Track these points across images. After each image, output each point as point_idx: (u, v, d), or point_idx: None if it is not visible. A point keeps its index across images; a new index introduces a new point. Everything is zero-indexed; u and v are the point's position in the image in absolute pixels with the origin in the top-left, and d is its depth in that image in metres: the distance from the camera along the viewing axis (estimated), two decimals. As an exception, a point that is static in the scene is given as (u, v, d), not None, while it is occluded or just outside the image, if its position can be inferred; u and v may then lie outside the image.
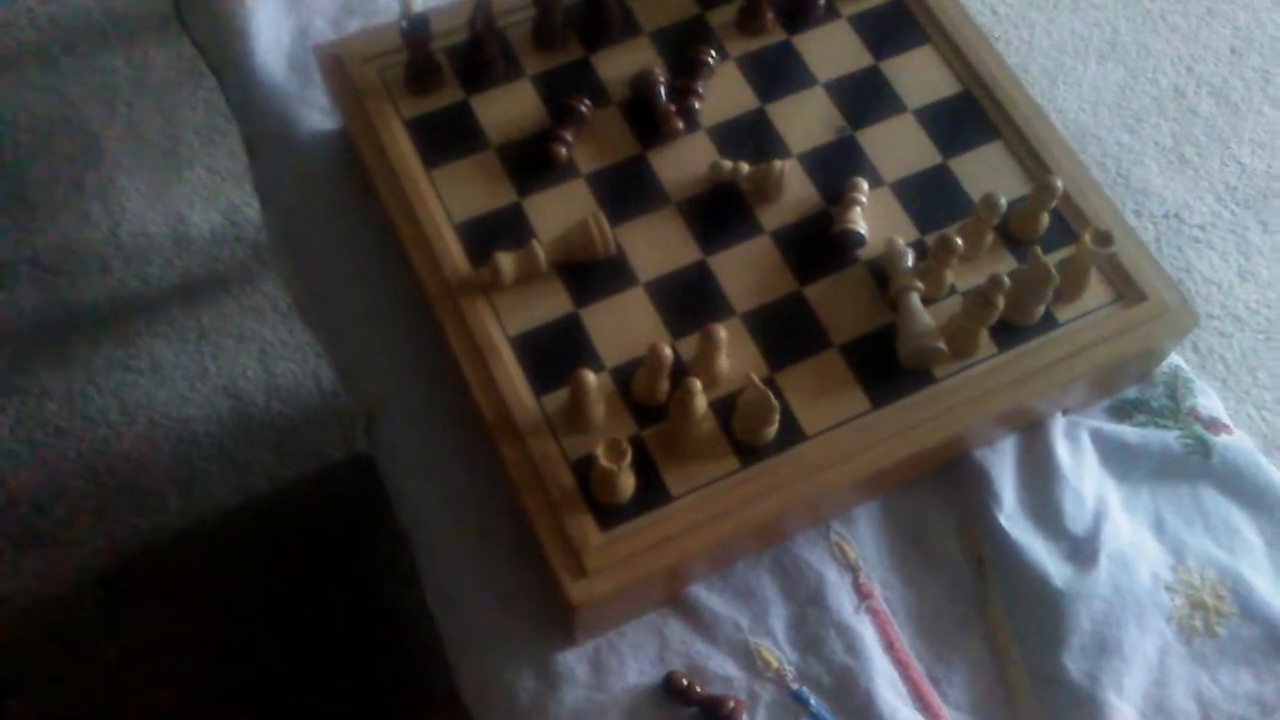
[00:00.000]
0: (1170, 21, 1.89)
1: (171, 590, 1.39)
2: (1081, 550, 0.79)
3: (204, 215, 1.65)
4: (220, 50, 1.00)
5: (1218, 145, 1.78)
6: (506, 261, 0.78)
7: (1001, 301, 0.74)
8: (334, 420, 1.51)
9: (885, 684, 0.76)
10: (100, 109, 1.72)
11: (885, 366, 0.77)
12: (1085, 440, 0.83)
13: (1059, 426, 0.83)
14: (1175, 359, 0.87)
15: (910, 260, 0.80)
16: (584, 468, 0.74)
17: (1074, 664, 0.76)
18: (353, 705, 1.32)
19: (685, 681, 0.76)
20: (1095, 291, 0.80)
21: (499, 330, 0.78)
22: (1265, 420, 1.59)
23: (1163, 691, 0.77)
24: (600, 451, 0.70)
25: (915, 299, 0.78)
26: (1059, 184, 0.80)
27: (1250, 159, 1.77)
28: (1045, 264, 0.75)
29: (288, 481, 1.48)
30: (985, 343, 0.78)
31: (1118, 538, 0.79)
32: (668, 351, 0.72)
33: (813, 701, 0.76)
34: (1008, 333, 0.78)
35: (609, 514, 0.73)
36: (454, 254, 0.80)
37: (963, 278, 0.81)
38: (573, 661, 0.77)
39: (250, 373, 1.55)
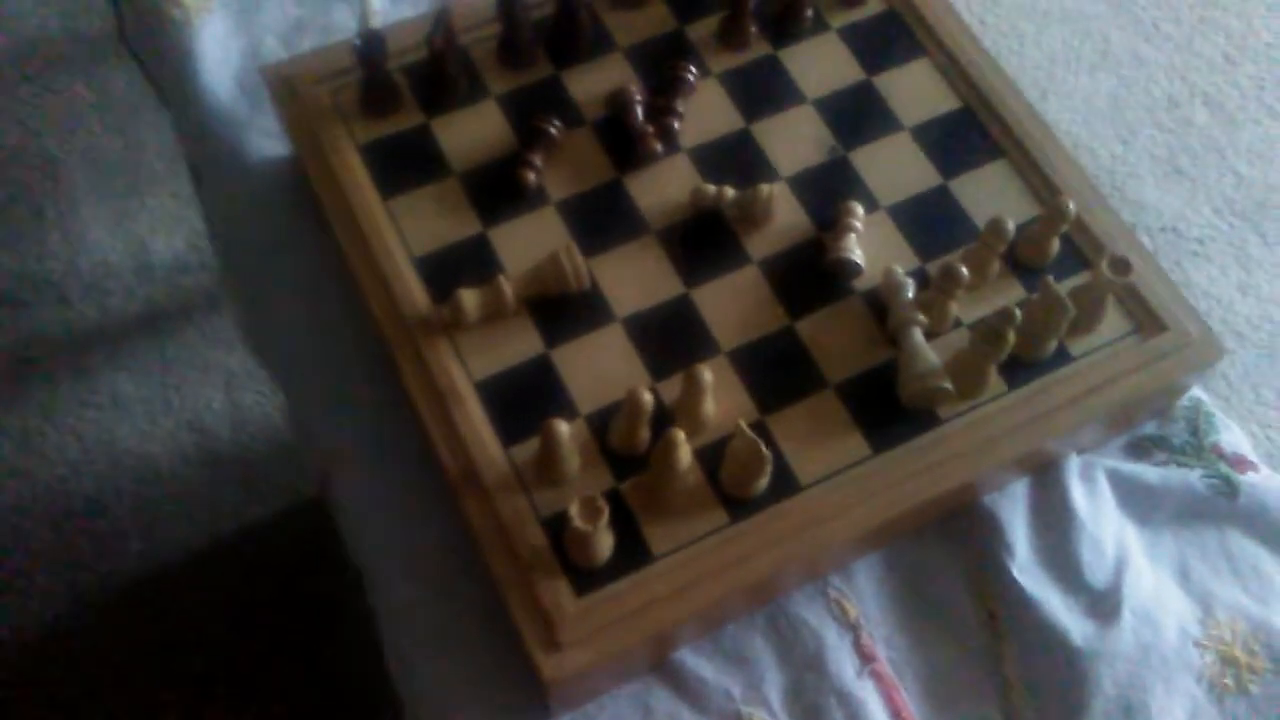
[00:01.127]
0: (1163, 30, 1.84)
1: (131, 639, 1.32)
2: (1102, 604, 0.73)
3: (167, 242, 1.59)
4: (165, 72, 0.93)
5: (1214, 156, 1.73)
6: (470, 299, 0.72)
7: (1013, 336, 0.68)
8: (305, 454, 1.44)
9: (892, 757, 0.70)
10: (59, 134, 1.66)
11: (886, 408, 0.71)
12: (1102, 482, 0.77)
13: (1074, 467, 0.76)
14: (1196, 391, 0.81)
15: (911, 291, 0.74)
16: (557, 525, 0.67)
17: (1098, 731, 0.70)
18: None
19: (672, 758, 0.69)
20: (1112, 322, 0.74)
21: (463, 374, 0.71)
22: (1270, 439, 1.53)
23: (1195, 759, 0.70)
24: (574, 511, 0.63)
25: (917, 333, 0.71)
26: (1071, 206, 0.73)
27: (1247, 169, 1.72)
28: (1059, 294, 0.69)
29: (256, 520, 1.42)
30: (994, 380, 0.71)
31: (1141, 589, 0.73)
32: (648, 397, 0.66)
33: (813, 777, 0.69)
34: (1018, 369, 0.72)
35: (585, 577, 0.66)
36: (413, 291, 0.73)
37: (968, 310, 0.75)
38: (548, 737, 0.70)
39: (215, 405, 1.50)
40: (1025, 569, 0.73)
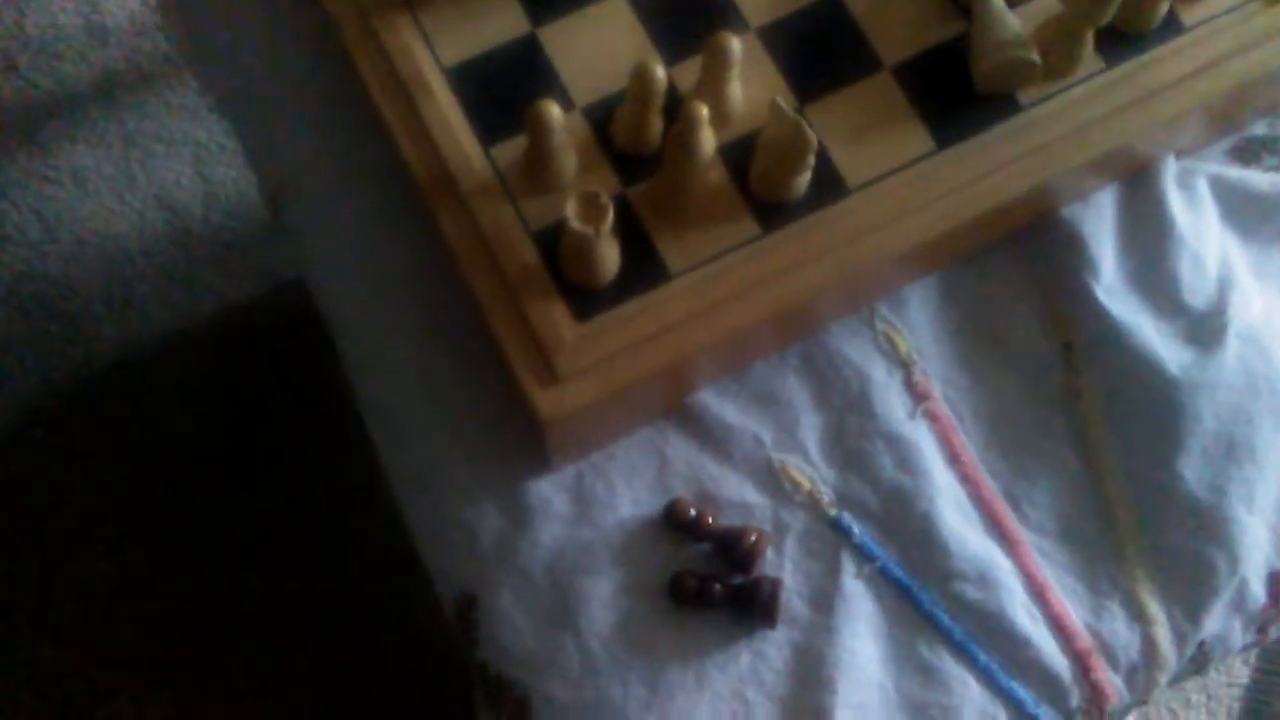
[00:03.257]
0: None
1: (110, 426, 1.25)
2: (1203, 328, 0.61)
3: (120, 1, 1.43)
4: None
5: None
6: (436, -36, 0.57)
7: (1118, -11, 0.54)
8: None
9: (949, 505, 0.60)
10: (-15, -125, 1.47)
11: (953, 92, 0.58)
12: (1204, 190, 0.64)
13: (1170, 174, 0.63)
14: (1314, 86, 0.67)
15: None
16: (551, 240, 0.55)
17: (1192, 472, 0.60)
18: (308, 546, 1.19)
19: (693, 511, 0.59)
20: (1233, -17, 0.60)
21: (430, 59, 0.57)
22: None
23: (1302, 504, 0.61)
24: (571, 210, 0.51)
25: (994, -2, 0.57)
26: None
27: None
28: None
29: (235, 303, 1.32)
30: (1089, 54, 0.57)
31: (1247, 311, 0.62)
32: (660, 72, 0.53)
33: (855, 530, 0.60)
34: (1118, 41, 0.58)
35: (587, 299, 0.55)
36: (365, -39, 0.59)
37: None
38: (548, 492, 0.60)
39: (185, 181, 1.39)
40: (1112, 291, 0.62)
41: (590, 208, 0.51)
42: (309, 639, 1.16)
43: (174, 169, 1.37)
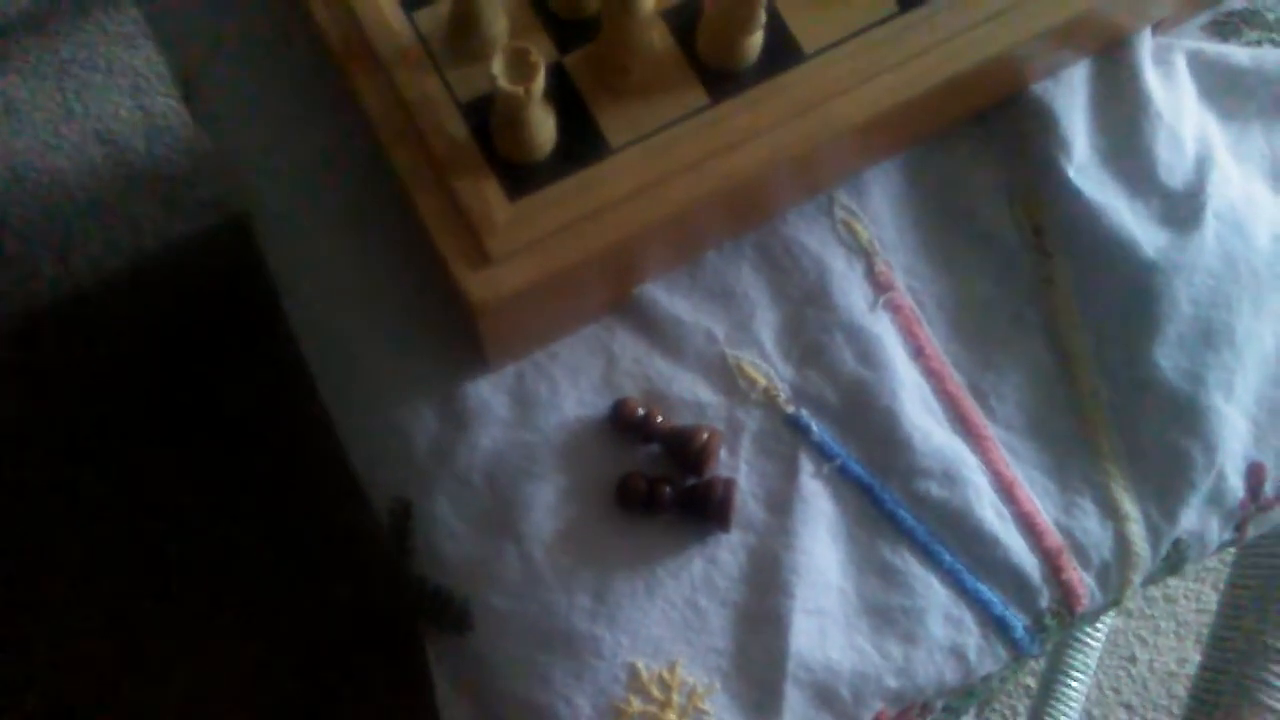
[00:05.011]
0: None
1: (48, 368, 1.20)
2: (1180, 209, 0.58)
3: (51, -79, 1.37)
4: None
5: None
6: None
7: None
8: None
9: (912, 399, 0.56)
10: None
11: (915, -50, 0.53)
12: (1180, 66, 0.60)
13: (1146, 48, 0.60)
14: (1296, -42, 0.64)
15: None
16: (481, 111, 0.51)
17: (1168, 360, 0.56)
18: (254, 489, 1.15)
19: (641, 411, 0.56)
20: None
21: (345, -85, 0.53)
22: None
23: (1283, 393, 0.58)
24: (498, 68, 0.46)
25: None
26: None
27: None
28: None
29: (179, 238, 1.27)
30: (1058, -94, 0.53)
31: (1227, 190, 0.58)
32: (594, -80, 0.48)
33: (814, 427, 0.56)
34: (1090, -107, 0.54)
35: (520, 175, 0.50)
36: None
37: None
38: (487, 393, 0.56)
39: (124, 112, 1.33)
40: (1084, 170, 0.58)
41: (520, 65, 0.47)
42: (257, 584, 1.12)
43: (112, 100, 1.32)
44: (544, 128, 0.50)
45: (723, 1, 0.49)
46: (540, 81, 0.47)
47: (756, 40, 0.51)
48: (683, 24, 0.52)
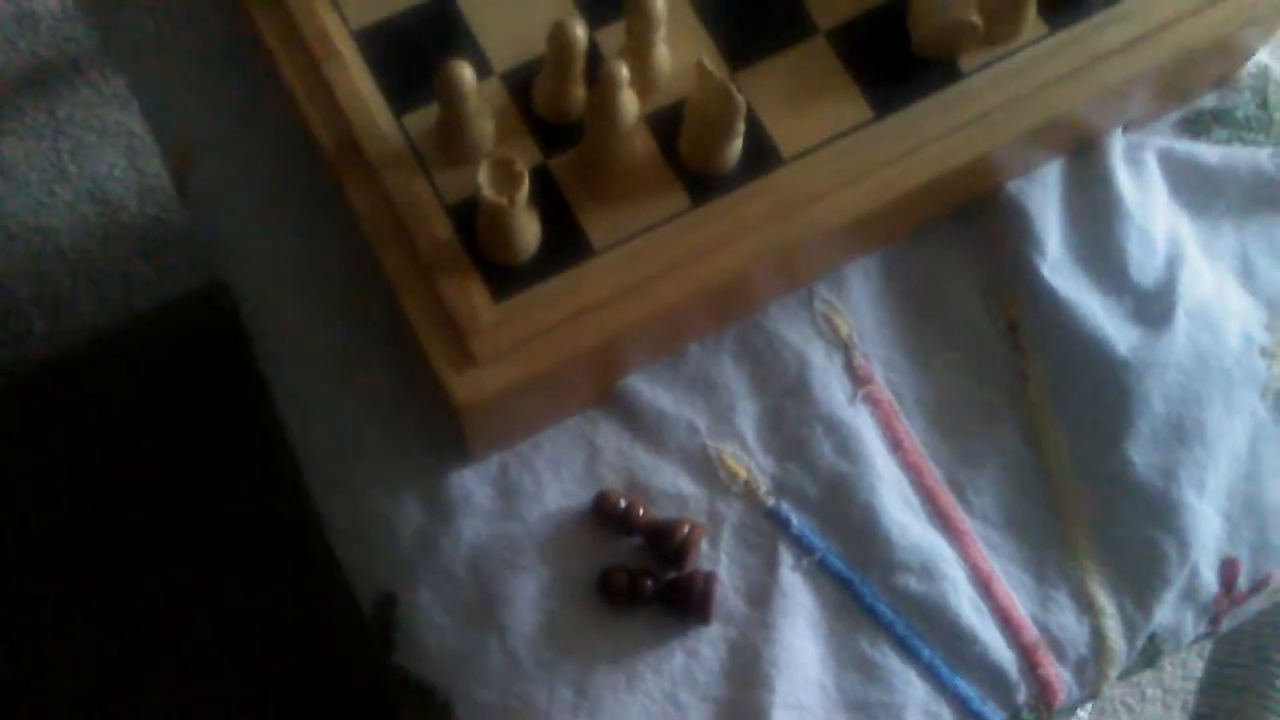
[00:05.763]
0: None
1: (41, 426, 1.20)
2: (1152, 307, 0.59)
3: (49, -13, 1.39)
4: None
5: None
6: (344, -76, 0.54)
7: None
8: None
9: (891, 493, 0.57)
10: None
11: (892, 58, 0.55)
12: (1152, 164, 0.62)
13: (1118, 148, 0.61)
14: (1263, 57, 0.65)
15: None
16: (468, 214, 0.52)
17: (1142, 456, 0.57)
18: (247, 547, 1.15)
19: (623, 503, 0.56)
20: (1179, -53, 0.58)
21: (337, 20, 0.54)
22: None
23: (1254, 487, 0.59)
24: (483, 178, 0.47)
25: (933, -40, 0.55)
26: None
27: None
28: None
29: (171, 298, 1.28)
30: (1032, 18, 0.55)
31: (1198, 288, 0.60)
32: (579, 33, 0.49)
33: (794, 520, 0.57)
34: (1062, 5, 0.56)
35: (505, 277, 0.51)
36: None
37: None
38: (471, 484, 0.57)
39: (117, 172, 1.35)
40: (1058, 268, 0.59)
41: (504, 175, 0.48)
42: (238, 675, 1.12)
43: (106, 160, 1.33)
44: (528, 231, 0.51)
45: (702, 108, 0.51)
46: (525, 191, 0.48)
47: (737, 146, 0.52)
48: (665, 129, 0.54)
